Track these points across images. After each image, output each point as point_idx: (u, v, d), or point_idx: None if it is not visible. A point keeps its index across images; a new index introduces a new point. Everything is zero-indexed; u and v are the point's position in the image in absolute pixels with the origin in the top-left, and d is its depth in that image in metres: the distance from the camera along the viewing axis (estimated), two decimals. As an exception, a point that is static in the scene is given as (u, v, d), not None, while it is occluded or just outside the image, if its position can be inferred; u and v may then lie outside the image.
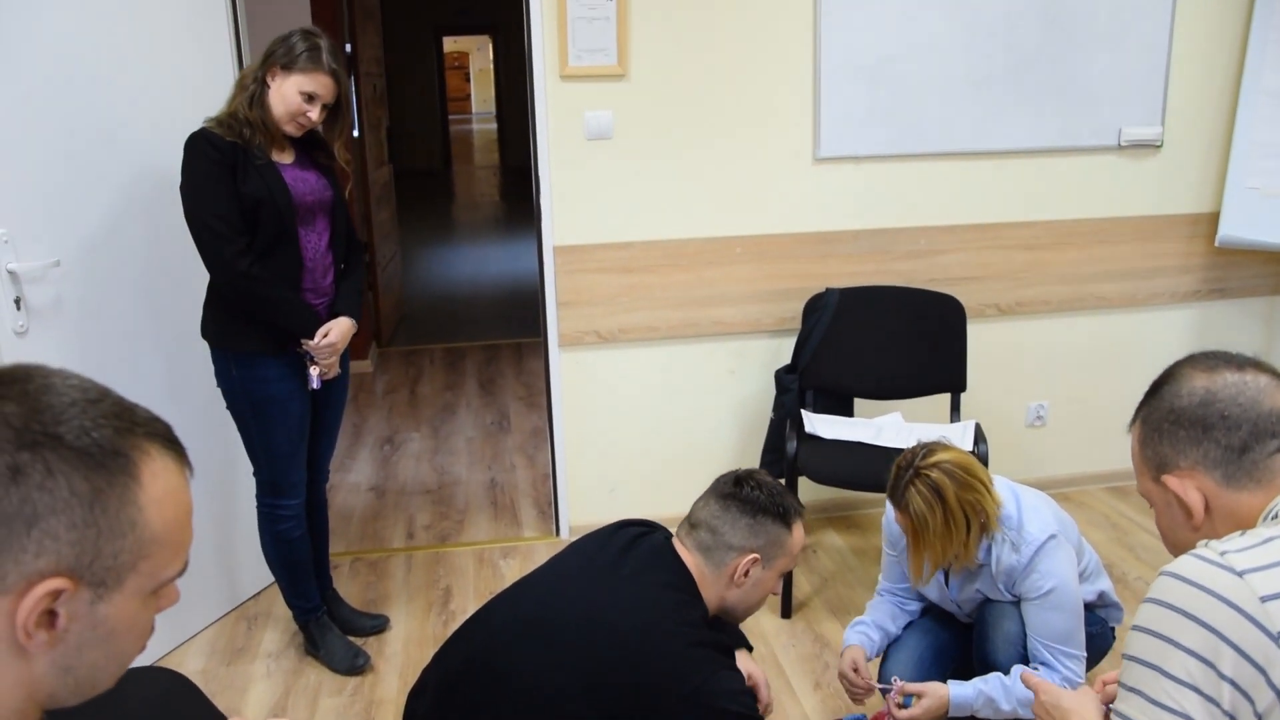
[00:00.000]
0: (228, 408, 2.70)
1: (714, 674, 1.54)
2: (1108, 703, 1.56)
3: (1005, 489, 2.13)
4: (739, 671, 1.60)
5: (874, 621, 2.33)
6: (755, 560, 1.75)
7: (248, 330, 2.60)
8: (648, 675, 1.53)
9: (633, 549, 1.75)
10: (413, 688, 1.87)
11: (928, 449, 2.01)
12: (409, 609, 3.26)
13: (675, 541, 1.79)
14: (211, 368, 2.68)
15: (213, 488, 3.08)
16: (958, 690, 2.07)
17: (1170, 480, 1.24)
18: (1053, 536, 2.08)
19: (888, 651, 2.36)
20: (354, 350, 5.99)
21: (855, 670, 2.23)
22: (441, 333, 6.79)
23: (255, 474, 2.78)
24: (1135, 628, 1.16)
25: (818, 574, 3.42)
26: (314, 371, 2.66)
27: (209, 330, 2.66)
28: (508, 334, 6.69)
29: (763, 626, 3.10)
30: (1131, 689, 1.14)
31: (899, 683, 2.15)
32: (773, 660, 2.93)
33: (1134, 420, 1.32)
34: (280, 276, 2.56)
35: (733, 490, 1.76)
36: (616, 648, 1.56)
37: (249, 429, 2.71)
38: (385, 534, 3.83)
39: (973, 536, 2.02)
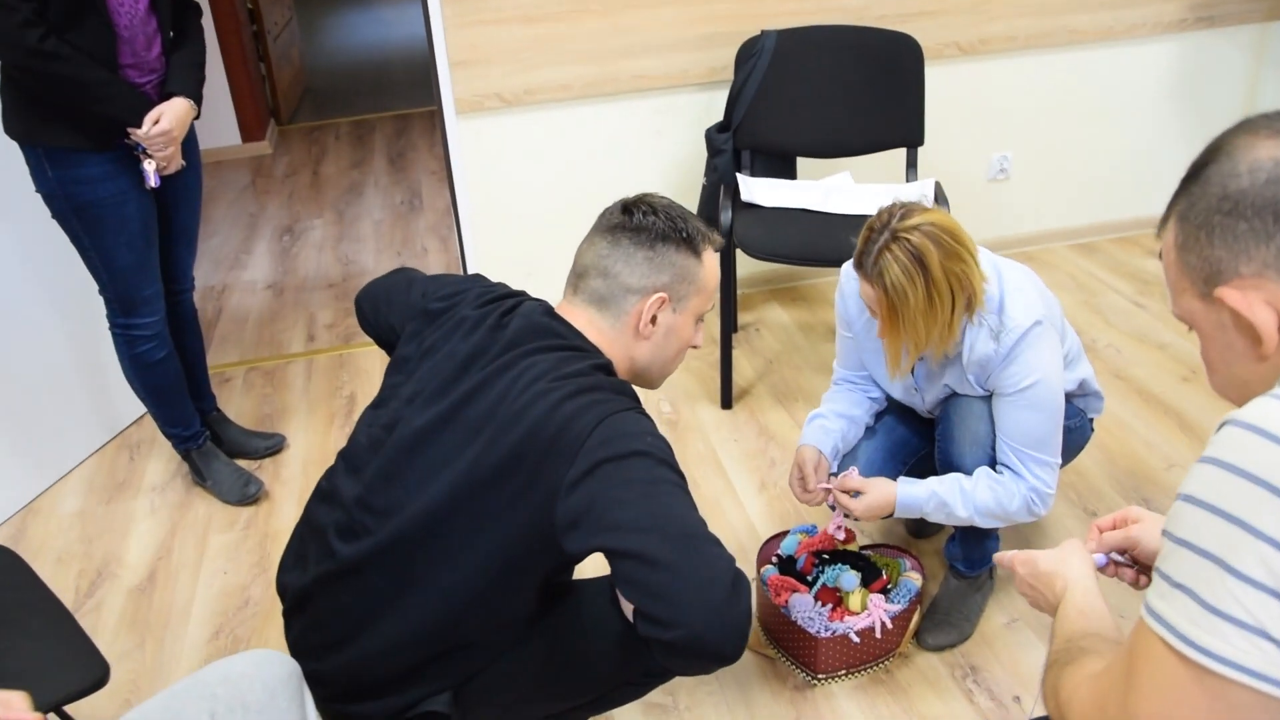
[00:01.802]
0: (53, 216, 2.23)
1: (606, 418, 1.27)
2: (1109, 552, 1.25)
3: (987, 264, 1.80)
4: (645, 415, 1.34)
5: (834, 412, 2.04)
6: (662, 301, 1.45)
7: (59, 121, 2.11)
8: (533, 451, 1.27)
9: (501, 329, 1.44)
10: (282, 560, 1.57)
11: (905, 209, 1.68)
12: (308, 423, 2.95)
13: (561, 306, 1.50)
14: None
15: (70, 303, 2.67)
16: (907, 489, 1.84)
17: (1227, 294, 0.87)
18: (1038, 323, 1.77)
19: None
20: (249, 131, 5.57)
21: (803, 478, 1.96)
22: (348, 105, 6.15)
23: (101, 292, 2.36)
24: (1188, 499, 0.82)
25: (761, 356, 3.15)
26: (149, 167, 2.20)
27: (12, 125, 2.17)
28: (421, 101, 6.08)
29: (699, 419, 2.85)
30: (1177, 585, 0.81)
31: (836, 479, 1.91)
32: (711, 458, 2.69)
33: (1166, 219, 0.93)
34: (88, 51, 2.05)
35: (621, 220, 1.46)
36: (495, 447, 1.30)
37: (81, 240, 2.26)
38: (283, 338, 3.47)
39: (957, 315, 1.72)
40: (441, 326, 1.50)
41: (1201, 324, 0.92)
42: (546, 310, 1.49)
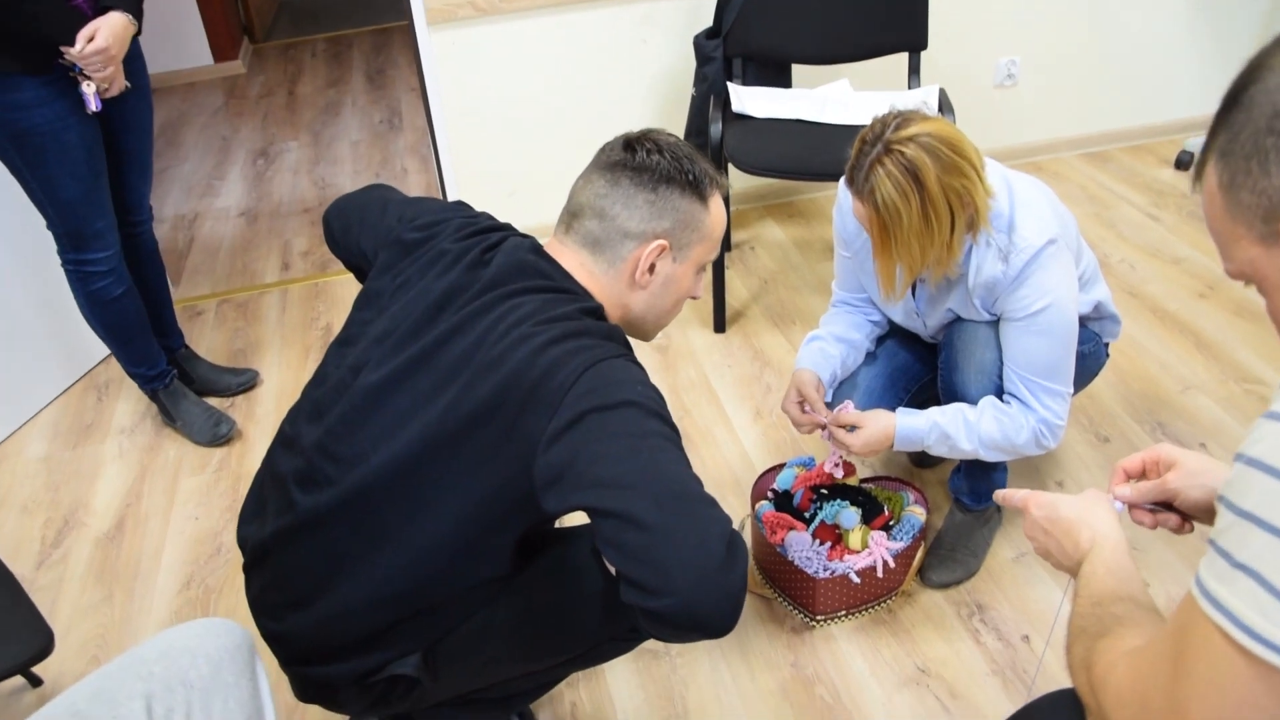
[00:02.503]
0: (-12, 146, 2.08)
1: (593, 365, 1.19)
2: (1144, 505, 1.13)
3: (996, 177, 1.66)
4: (636, 363, 1.26)
5: (833, 335, 1.94)
6: (662, 249, 1.36)
7: (-17, 42, 1.95)
8: (512, 400, 1.19)
9: (483, 266, 1.35)
10: (242, 510, 1.48)
11: (901, 119, 1.56)
12: (283, 357, 2.84)
13: (550, 244, 1.40)
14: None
15: (24, 239, 2.53)
16: (907, 421, 1.74)
17: None
18: (1051, 242, 1.64)
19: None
20: (221, 50, 5.34)
21: (800, 403, 1.86)
22: (325, 20, 5.92)
23: (49, 227, 2.23)
24: (1252, 463, 0.69)
25: (755, 276, 3.04)
26: (88, 90, 2.05)
27: (-65, 46, 1.99)
28: (401, 15, 5.84)
29: (690, 344, 2.75)
30: (1240, 565, 0.69)
31: (832, 413, 1.82)
32: (703, 385, 2.59)
33: (1202, 164, 0.78)
34: (10, -38, 1.88)
35: (623, 158, 1.36)
36: (470, 395, 1.22)
37: (22, 173, 2.12)
38: (257, 267, 3.35)
39: (957, 235, 1.60)
40: (418, 260, 1.40)
41: (1266, 273, 0.78)
42: (534, 248, 1.38)
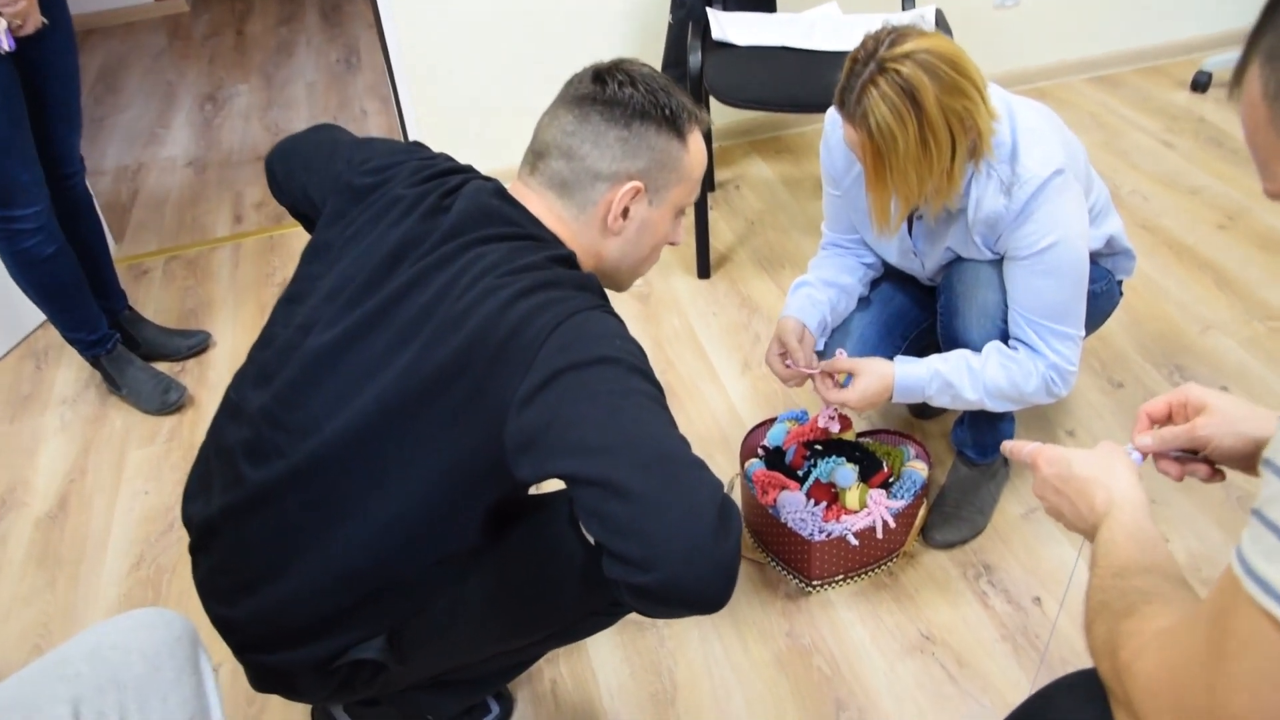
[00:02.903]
0: (-106, 95, 2.00)
1: (567, 318, 1.16)
2: (1170, 452, 1.07)
3: (998, 103, 1.60)
4: (614, 315, 1.23)
5: (822, 280, 1.89)
6: (636, 191, 1.31)
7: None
8: (479, 358, 1.16)
9: (442, 213, 1.31)
10: (186, 486, 1.43)
11: (896, 34, 1.50)
12: (236, 317, 2.78)
13: (515, 187, 1.36)
14: None
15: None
16: (906, 370, 1.70)
17: None
18: (1058, 173, 1.57)
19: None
20: None
21: (784, 354, 1.82)
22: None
23: (-32, 180, 2.12)
24: None
25: (741, 217, 3.00)
26: (-1, 27, 1.94)
27: None
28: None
29: (673, 290, 2.71)
30: None
31: (823, 362, 1.77)
32: (688, 335, 2.55)
33: (1242, 69, 0.71)
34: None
35: (592, 91, 1.31)
36: (431, 354, 1.19)
37: (-70, 121, 2.02)
38: (206, 221, 3.27)
39: (958, 162, 1.53)
40: (370, 207, 1.36)
41: None
42: (497, 191, 1.34)
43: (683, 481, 1.05)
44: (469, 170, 1.40)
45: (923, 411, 2.22)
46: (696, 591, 1.03)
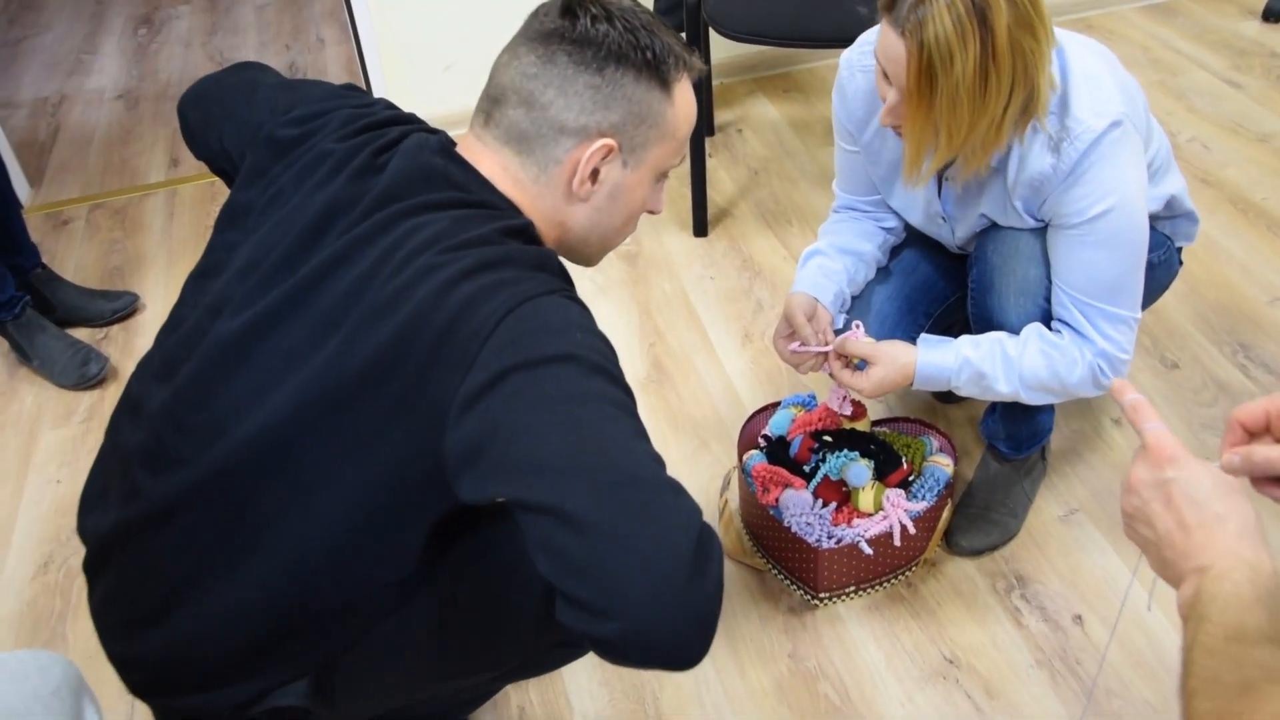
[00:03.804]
0: None
1: (519, 304, 1.11)
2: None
3: None
4: (578, 302, 1.18)
5: (836, 247, 1.85)
6: (608, 150, 1.25)
7: None
8: (414, 352, 1.11)
9: (375, 173, 1.26)
10: (83, 493, 1.37)
11: None
12: (170, 276, 2.71)
13: (465, 142, 1.31)
14: None
15: None
16: (931, 356, 1.66)
17: None
18: (1116, 124, 1.49)
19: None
20: None
21: (792, 336, 1.78)
22: None
23: None
24: None
25: (743, 166, 2.98)
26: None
27: None
28: None
29: (665, 250, 2.68)
30: None
31: (836, 340, 1.73)
32: (681, 302, 2.52)
33: None
34: None
35: (560, 26, 1.25)
36: (358, 345, 1.14)
37: None
38: (138, 164, 3.22)
39: (1010, 115, 1.47)
40: (293, 164, 1.30)
41: None
42: (442, 147, 1.27)
43: (651, 509, 0.99)
44: (411, 120, 1.34)
45: (948, 396, 2.18)
46: (665, 646, 0.97)
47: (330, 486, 1.14)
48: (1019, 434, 1.86)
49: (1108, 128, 1.48)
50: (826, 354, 1.73)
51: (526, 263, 1.17)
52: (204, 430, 1.18)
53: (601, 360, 1.08)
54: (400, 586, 1.23)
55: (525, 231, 1.23)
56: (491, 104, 1.27)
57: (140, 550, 1.22)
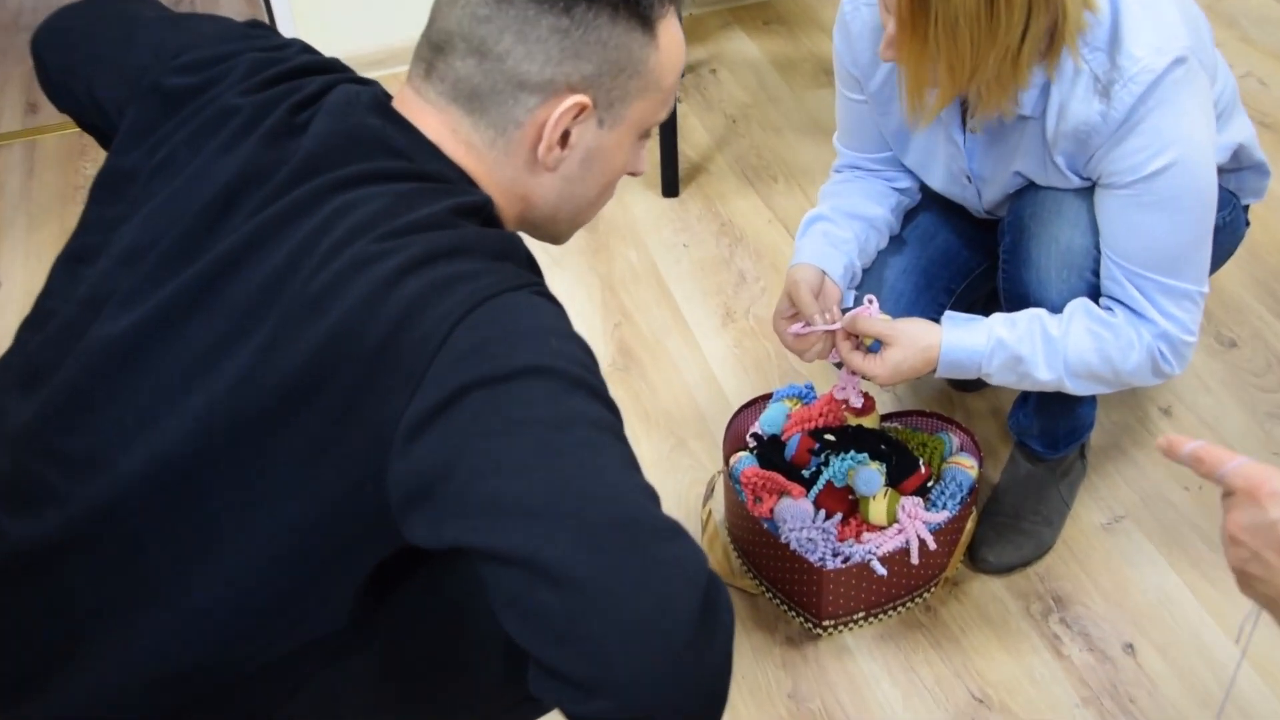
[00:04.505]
0: None
1: (478, 306, 1.09)
2: None
3: None
4: (549, 298, 1.18)
5: (842, 212, 1.85)
6: (580, 109, 1.24)
7: None
8: (347, 364, 1.10)
9: (293, 135, 1.25)
10: None
11: None
12: (29, 247, 2.72)
13: (402, 97, 1.30)
14: None
15: None
16: (957, 337, 1.67)
17: None
18: (1179, 62, 1.49)
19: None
20: None
21: (795, 317, 1.77)
22: None
23: None
24: None
25: (720, 113, 3.01)
26: None
27: None
28: None
29: (630, 214, 2.71)
30: None
31: (845, 317, 1.73)
32: (650, 274, 2.54)
33: None
34: None
35: None
36: (278, 355, 1.12)
37: None
38: None
39: (1029, 45, 1.48)
40: (187, 122, 1.28)
41: None
42: (376, 104, 1.26)
43: (648, 559, 0.97)
44: (334, 67, 1.32)
45: (969, 384, 2.21)
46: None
47: (243, 531, 1.13)
48: (1055, 429, 1.87)
49: (1169, 66, 1.48)
50: (834, 335, 1.74)
51: (487, 250, 1.15)
52: (81, 459, 1.16)
53: (582, 372, 1.07)
54: (333, 640, 1.22)
55: (482, 210, 1.21)
56: (434, 52, 1.25)
57: (6, 606, 1.20)
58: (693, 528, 1.87)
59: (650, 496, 1.01)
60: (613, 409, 1.07)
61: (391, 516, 1.06)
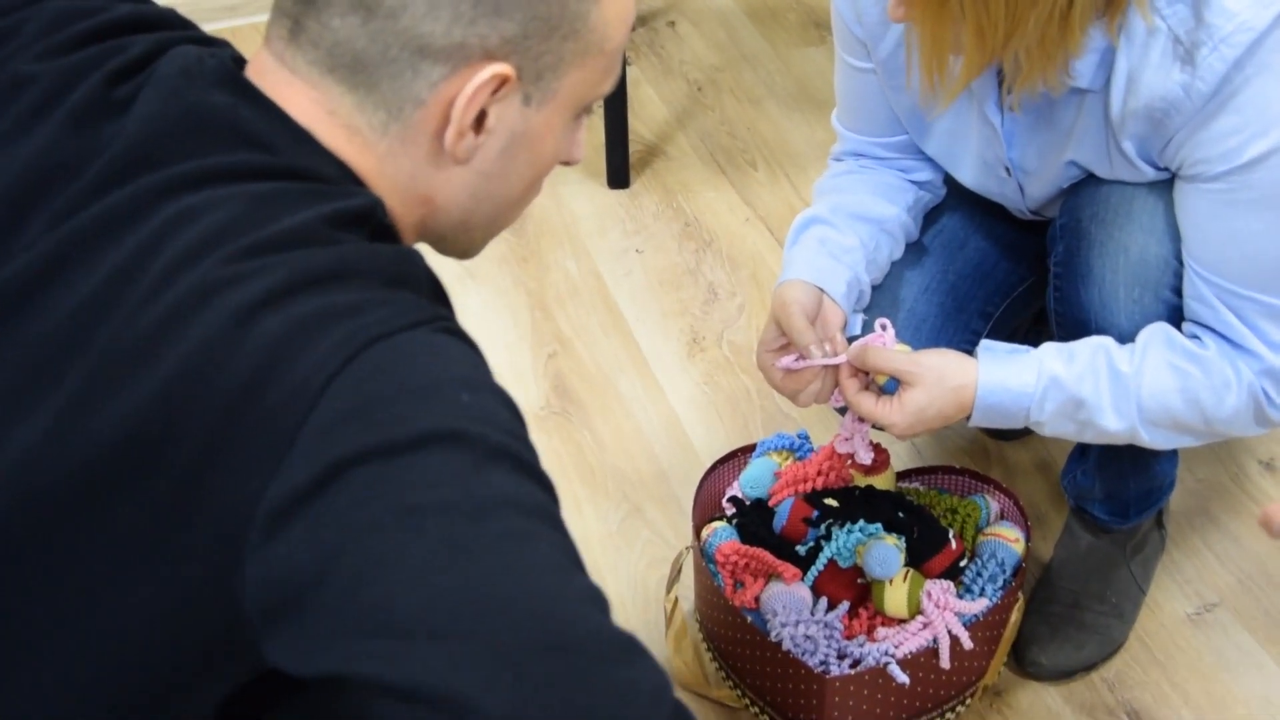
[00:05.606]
0: None
1: (364, 349, 1.07)
2: None
3: None
4: (459, 336, 1.16)
5: (846, 212, 1.88)
6: (500, 81, 1.23)
7: None
8: (192, 426, 1.07)
9: (113, 114, 1.23)
10: None
11: None
12: None
13: (260, 64, 1.28)
14: None
15: None
16: (999, 373, 1.69)
17: None
18: None
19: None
20: None
21: (786, 348, 1.79)
22: None
23: None
24: None
25: (681, 79, 3.10)
26: None
27: None
28: None
29: (570, 211, 2.76)
30: None
31: (853, 347, 1.75)
32: (595, 290, 2.59)
33: None
34: None
35: None
36: (96, 414, 1.09)
37: None
38: None
39: (1080, 2, 1.53)
40: None
41: None
42: (224, 73, 1.24)
43: (593, 690, 0.97)
44: (170, 22, 1.32)
45: (1009, 431, 2.21)
46: None
47: (40, 655, 1.11)
48: (1124, 491, 1.88)
49: (1272, 23, 1.49)
50: (837, 371, 1.75)
51: (375, 273, 1.14)
52: None
53: (505, 438, 1.04)
54: None
55: (370, 217, 1.20)
56: (302, 7, 1.22)
57: None
58: (653, 621, 1.92)
59: (596, 603, 0.99)
60: (545, 485, 1.05)
61: (248, 634, 1.03)
